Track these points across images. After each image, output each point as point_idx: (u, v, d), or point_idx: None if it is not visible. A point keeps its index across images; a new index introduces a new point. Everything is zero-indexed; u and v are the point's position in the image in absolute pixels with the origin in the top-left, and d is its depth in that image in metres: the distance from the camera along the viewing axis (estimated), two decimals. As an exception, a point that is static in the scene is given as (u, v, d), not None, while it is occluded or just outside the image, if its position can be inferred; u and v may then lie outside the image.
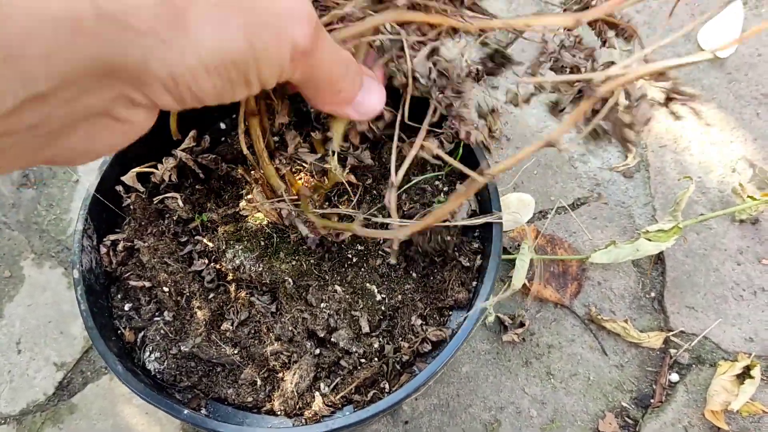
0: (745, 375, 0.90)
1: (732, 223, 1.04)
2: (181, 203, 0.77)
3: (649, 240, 0.94)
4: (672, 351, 0.94)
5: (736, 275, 0.99)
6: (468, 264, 0.73)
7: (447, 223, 0.71)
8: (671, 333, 0.95)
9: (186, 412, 0.63)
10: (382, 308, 0.71)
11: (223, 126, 0.84)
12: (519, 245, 0.99)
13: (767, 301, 0.98)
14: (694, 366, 0.93)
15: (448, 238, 0.70)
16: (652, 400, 0.92)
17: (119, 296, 0.75)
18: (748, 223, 1.04)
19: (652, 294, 0.98)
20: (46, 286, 1.03)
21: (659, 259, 1.01)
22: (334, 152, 0.65)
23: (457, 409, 0.92)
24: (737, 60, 1.20)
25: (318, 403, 0.68)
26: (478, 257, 0.73)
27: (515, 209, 1.05)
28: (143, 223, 0.77)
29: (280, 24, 0.34)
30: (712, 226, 1.02)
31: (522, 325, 0.95)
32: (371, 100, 0.48)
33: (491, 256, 0.69)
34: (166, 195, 0.77)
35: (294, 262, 0.73)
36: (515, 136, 1.13)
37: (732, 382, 0.91)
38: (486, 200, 0.73)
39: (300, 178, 0.74)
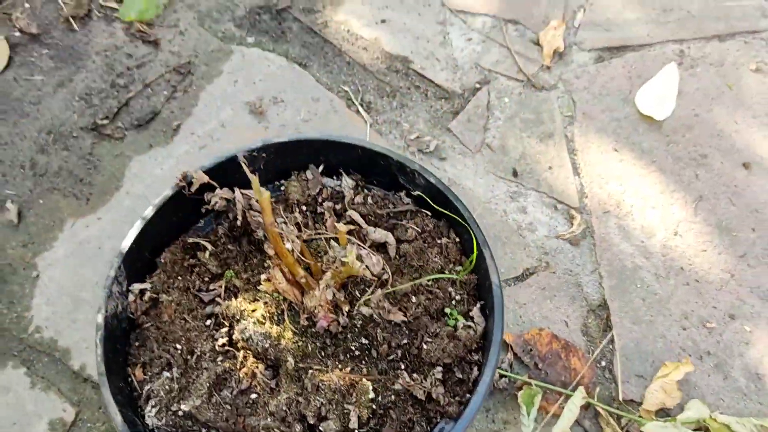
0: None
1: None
2: (209, 256, 0.83)
3: None
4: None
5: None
6: (463, 377, 0.75)
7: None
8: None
9: None
10: (374, 406, 0.73)
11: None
12: (531, 350, 1.02)
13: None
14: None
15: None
16: None
17: (137, 344, 0.80)
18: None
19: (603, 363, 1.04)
20: (8, 386, 0.98)
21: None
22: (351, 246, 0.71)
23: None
24: (675, 122, 1.23)
25: None
26: (475, 369, 0.75)
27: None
28: (172, 276, 0.83)
29: None
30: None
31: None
32: None
33: (484, 372, 0.71)
34: (198, 240, 0.84)
35: (300, 343, 0.76)
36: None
37: (672, 385, 0.98)
38: (490, 312, 0.75)
39: (320, 261, 0.78)
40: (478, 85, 1.32)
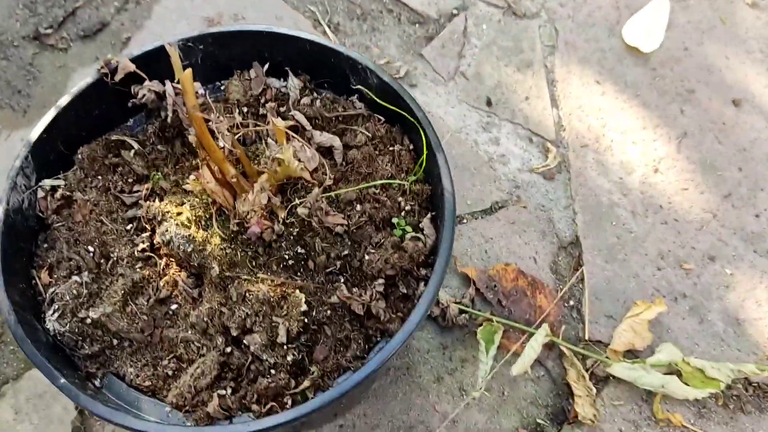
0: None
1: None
2: (134, 155, 0.75)
3: (686, 384, 0.87)
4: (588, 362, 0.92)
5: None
6: (407, 292, 0.67)
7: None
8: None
9: (62, 381, 0.59)
10: (306, 320, 0.65)
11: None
12: (495, 286, 0.94)
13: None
14: (611, 379, 0.91)
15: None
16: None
17: (45, 245, 0.71)
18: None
19: (571, 303, 0.96)
20: None
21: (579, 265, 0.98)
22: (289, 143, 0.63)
23: (363, 429, 0.86)
24: (662, 55, 1.15)
25: (213, 405, 0.62)
26: (422, 285, 0.67)
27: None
28: (90, 175, 0.74)
29: None
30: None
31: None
32: None
33: (429, 286, 0.63)
34: (124, 138, 0.76)
35: (228, 251, 0.68)
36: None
37: (642, 326, 0.91)
38: (441, 221, 0.67)
39: (257, 163, 0.69)
40: (455, 11, 1.22)
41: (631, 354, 0.91)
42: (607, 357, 0.90)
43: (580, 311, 0.95)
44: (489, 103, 1.12)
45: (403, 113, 0.72)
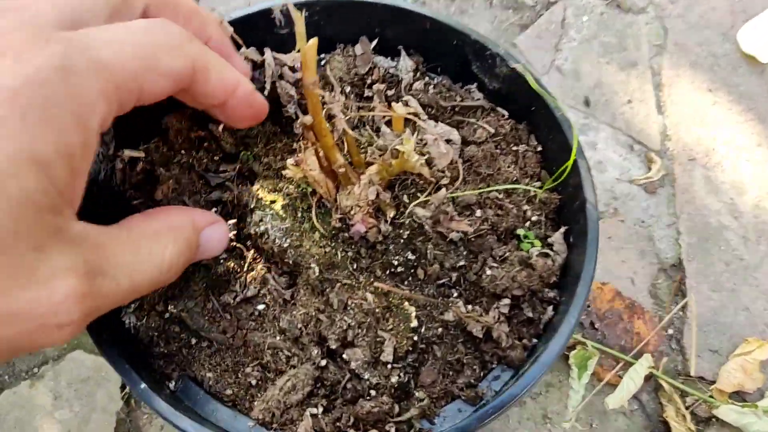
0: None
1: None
2: (223, 130, 0.64)
3: None
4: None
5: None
6: (533, 316, 0.58)
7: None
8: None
9: (143, 386, 0.52)
10: (415, 338, 0.56)
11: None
12: (589, 306, 0.85)
13: None
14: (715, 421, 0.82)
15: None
16: None
17: None
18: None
19: (670, 331, 0.87)
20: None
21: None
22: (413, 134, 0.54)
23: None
24: None
25: (306, 426, 0.54)
26: (550, 309, 0.58)
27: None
28: (173, 148, 0.65)
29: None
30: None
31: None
32: (209, 251, 0.51)
33: (569, 313, 0.54)
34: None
35: (327, 249, 0.59)
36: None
37: (754, 366, 0.82)
38: (577, 238, 0.58)
39: (364, 152, 0.60)
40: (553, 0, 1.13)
41: (738, 396, 0.82)
42: (711, 396, 0.82)
43: (681, 342, 0.86)
44: (587, 103, 1.02)
45: (536, 110, 0.64)
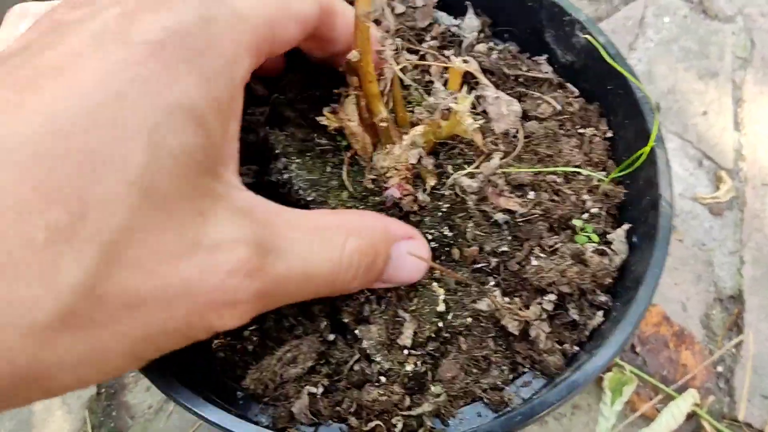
0: None
1: None
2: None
3: None
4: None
5: None
6: (578, 320, 0.50)
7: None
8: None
9: None
10: (440, 324, 0.48)
11: None
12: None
13: None
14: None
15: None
16: None
17: None
18: None
19: (720, 369, 0.78)
20: None
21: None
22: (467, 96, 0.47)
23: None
24: None
25: (301, 404, 0.47)
26: (599, 314, 0.50)
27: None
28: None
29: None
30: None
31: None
32: (403, 273, 0.44)
33: (624, 322, 0.46)
34: None
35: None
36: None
37: None
38: (642, 239, 0.50)
39: (410, 111, 0.53)
40: (634, -5, 1.04)
41: (790, 451, 0.73)
42: (758, 447, 0.73)
43: (730, 382, 0.77)
44: (658, 108, 0.94)
45: (613, 89, 0.56)
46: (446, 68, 0.59)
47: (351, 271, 0.37)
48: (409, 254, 0.42)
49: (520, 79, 0.60)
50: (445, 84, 0.56)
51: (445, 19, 0.64)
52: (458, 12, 0.64)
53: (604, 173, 0.56)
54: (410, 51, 0.63)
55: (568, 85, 0.60)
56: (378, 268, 0.40)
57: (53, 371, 0.26)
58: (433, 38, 0.63)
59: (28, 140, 0.24)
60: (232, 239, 0.30)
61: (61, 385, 0.27)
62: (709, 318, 0.81)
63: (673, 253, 0.83)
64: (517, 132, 0.56)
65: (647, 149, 0.50)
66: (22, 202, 0.23)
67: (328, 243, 0.36)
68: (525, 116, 0.58)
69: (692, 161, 0.90)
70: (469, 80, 0.58)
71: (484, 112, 0.56)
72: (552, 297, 0.49)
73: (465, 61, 0.57)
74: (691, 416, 0.74)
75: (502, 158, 0.53)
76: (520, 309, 0.49)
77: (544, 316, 0.49)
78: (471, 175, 0.50)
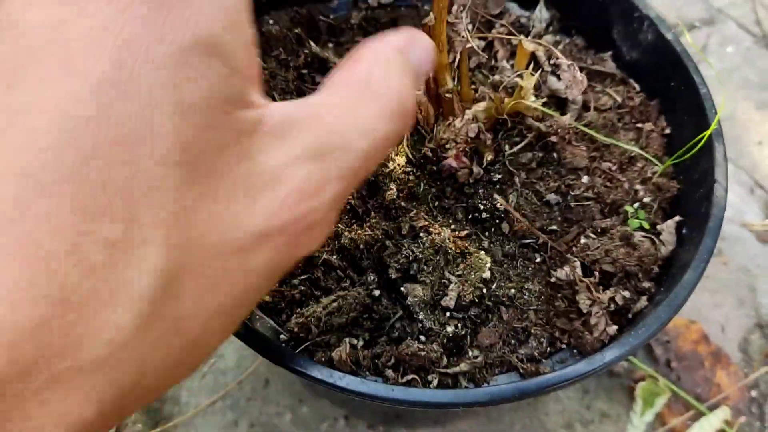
0: None
1: None
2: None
3: None
4: None
5: None
6: (622, 303, 0.50)
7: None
8: None
9: None
10: (484, 291, 0.49)
11: None
12: (668, 342, 0.77)
13: None
14: None
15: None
16: None
17: None
18: None
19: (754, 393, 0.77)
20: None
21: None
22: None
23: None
24: None
25: (342, 352, 0.48)
26: (642, 300, 0.50)
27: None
28: (270, 44, 0.62)
29: None
30: None
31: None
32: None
33: (662, 307, 0.46)
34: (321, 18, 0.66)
35: (411, 177, 0.54)
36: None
37: None
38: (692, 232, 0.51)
39: (475, 89, 0.55)
40: (698, 24, 1.05)
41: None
42: (787, 475, 0.71)
43: (763, 408, 0.76)
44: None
45: (675, 86, 0.56)
46: (513, 54, 0.61)
47: (409, 101, 0.31)
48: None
49: (584, 72, 0.62)
50: (511, 66, 0.57)
51: (516, 9, 0.66)
52: (529, 4, 0.65)
53: (660, 168, 0.57)
54: (480, 38, 0.65)
55: (630, 80, 0.61)
56: (412, 82, 0.31)
57: (151, 380, 0.24)
58: (503, 26, 0.64)
59: (40, 156, 0.20)
60: (285, 163, 0.26)
61: (166, 385, 0.25)
62: (747, 342, 0.79)
63: (716, 276, 0.83)
64: (576, 121, 0.58)
65: (708, 133, 0.51)
66: (66, 229, 0.20)
67: (369, 102, 0.29)
68: (585, 106, 0.59)
69: (744, 188, 0.89)
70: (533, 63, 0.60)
71: (549, 97, 0.57)
72: (596, 276, 0.50)
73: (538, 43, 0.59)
74: (721, 436, 0.73)
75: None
76: (595, 290, 0.49)
77: (601, 293, 0.49)
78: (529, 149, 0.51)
